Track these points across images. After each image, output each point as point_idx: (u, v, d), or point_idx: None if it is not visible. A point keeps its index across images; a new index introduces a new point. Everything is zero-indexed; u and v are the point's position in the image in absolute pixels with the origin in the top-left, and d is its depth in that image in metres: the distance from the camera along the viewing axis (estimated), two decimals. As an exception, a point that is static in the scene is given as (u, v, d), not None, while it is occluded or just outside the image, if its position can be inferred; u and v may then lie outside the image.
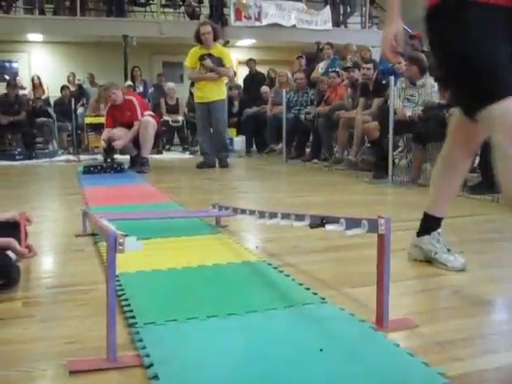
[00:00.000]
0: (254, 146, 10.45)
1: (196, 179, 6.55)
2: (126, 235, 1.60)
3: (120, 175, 6.87)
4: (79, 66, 12.85)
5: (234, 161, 8.67)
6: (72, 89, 11.54)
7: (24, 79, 12.84)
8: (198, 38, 7.40)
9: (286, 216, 2.46)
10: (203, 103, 7.51)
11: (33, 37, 12.81)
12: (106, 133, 7.45)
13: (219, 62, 7.39)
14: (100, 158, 8.70)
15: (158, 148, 10.55)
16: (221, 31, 7.78)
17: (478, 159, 5.59)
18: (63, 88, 11.19)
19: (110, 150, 7.39)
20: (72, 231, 3.38)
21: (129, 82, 11.23)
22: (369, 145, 6.98)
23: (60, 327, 1.90)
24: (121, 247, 1.54)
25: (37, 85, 11.71)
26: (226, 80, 7.86)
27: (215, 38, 7.46)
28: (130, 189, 5.54)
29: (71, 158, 9.49)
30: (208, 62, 7.33)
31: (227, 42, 12.94)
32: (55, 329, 1.89)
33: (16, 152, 9.47)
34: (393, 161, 6.03)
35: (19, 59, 13.77)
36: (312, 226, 2.12)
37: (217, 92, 7.46)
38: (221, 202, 3.69)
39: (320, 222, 2.05)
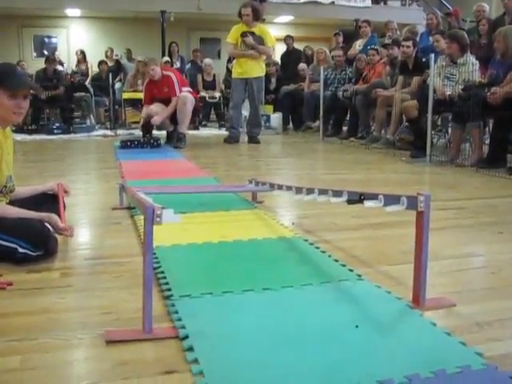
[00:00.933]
0: (291, 123, 10.38)
1: (233, 155, 6.54)
2: (164, 207, 1.60)
3: (157, 150, 6.89)
4: (117, 42, 12.87)
5: (271, 137, 8.64)
6: (110, 64, 11.58)
7: (63, 54, 12.92)
8: (241, 18, 7.54)
9: (323, 192, 2.45)
10: (242, 78, 7.57)
11: (71, 12, 12.86)
12: (144, 110, 7.46)
13: (260, 40, 7.45)
14: (137, 133, 8.74)
15: (194, 124, 10.57)
16: (262, 10, 7.76)
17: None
18: (101, 63, 11.23)
19: (148, 127, 7.40)
20: (109, 204, 3.40)
21: (166, 58, 11.23)
22: (407, 124, 6.88)
23: (96, 298, 1.92)
24: (158, 219, 1.54)
25: (81, 59, 11.78)
26: (264, 57, 7.81)
27: (256, 19, 7.55)
28: (167, 164, 5.56)
29: (108, 132, 9.54)
30: (249, 40, 7.40)
31: (263, 19, 12.83)
32: (91, 299, 1.91)
33: (54, 126, 9.54)
34: (431, 140, 5.94)
35: (58, 34, 13.84)
36: (350, 201, 2.10)
37: (256, 69, 7.53)
38: (257, 178, 3.68)
39: (358, 198, 2.03)
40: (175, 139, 7.36)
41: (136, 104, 10.14)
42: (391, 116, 7.05)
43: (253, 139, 7.77)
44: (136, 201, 2.06)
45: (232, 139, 7.73)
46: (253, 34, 7.45)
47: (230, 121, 7.99)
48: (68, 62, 12.88)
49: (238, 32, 7.57)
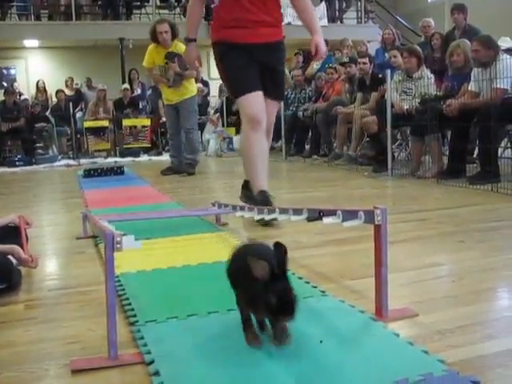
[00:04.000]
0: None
1: (197, 179, 6.56)
2: (124, 234, 1.61)
3: (120, 178, 6.87)
4: (77, 71, 12.87)
5: (234, 159, 8.67)
6: (70, 93, 11.57)
7: (21, 85, 12.86)
8: (155, 38, 6.63)
9: (283, 211, 2.47)
10: (171, 105, 6.91)
11: (29, 43, 12.84)
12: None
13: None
14: (100, 161, 8.72)
15: (157, 149, 10.58)
16: (178, 30, 6.63)
17: (476, 150, 5.63)
18: (58, 92, 11.21)
19: None
20: (73, 234, 3.39)
21: (125, 86, 11.24)
22: (368, 139, 6.99)
23: (62, 328, 1.92)
24: (118, 245, 1.55)
25: (41, 89, 11.73)
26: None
27: (174, 37, 6.66)
28: (130, 191, 5.55)
29: (71, 162, 9.51)
30: (175, 67, 6.61)
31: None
32: (57, 330, 1.90)
33: (16, 158, 9.49)
34: (392, 154, 6.04)
35: (16, 65, 13.79)
36: (310, 219, 2.14)
37: (183, 93, 6.78)
38: (221, 201, 3.70)
39: (317, 215, 2.06)
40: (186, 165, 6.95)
41: (98, 132, 10.15)
42: (352, 132, 7.14)
43: (186, 168, 6.92)
44: (97, 228, 2.07)
45: (171, 170, 7.06)
46: (180, 56, 6.44)
47: (170, 151, 7.39)
48: (28, 92, 12.82)
49: (153, 55, 6.73)
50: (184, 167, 6.91)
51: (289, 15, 13.03)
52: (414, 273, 2.38)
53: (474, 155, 5.95)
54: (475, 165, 5.46)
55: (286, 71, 8.90)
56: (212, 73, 13.69)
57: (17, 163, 9.26)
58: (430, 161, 5.74)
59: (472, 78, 5.27)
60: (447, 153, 5.66)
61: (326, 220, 1.96)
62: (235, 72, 3.62)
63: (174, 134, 7.09)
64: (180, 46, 6.54)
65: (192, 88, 6.90)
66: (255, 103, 3.55)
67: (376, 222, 1.76)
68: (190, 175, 6.83)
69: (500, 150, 5.56)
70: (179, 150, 7.04)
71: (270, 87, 3.68)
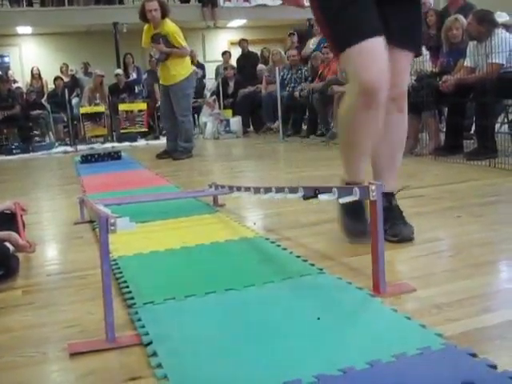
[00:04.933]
0: (251, 125, 10.42)
1: (194, 161, 6.54)
2: (119, 216, 1.60)
3: (117, 162, 6.87)
4: (71, 57, 12.80)
5: (232, 141, 8.66)
6: (65, 80, 11.51)
7: (16, 73, 12.80)
8: (144, 16, 6.52)
9: (280, 190, 2.47)
10: (164, 85, 6.78)
11: (22, 29, 12.77)
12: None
13: (169, 43, 6.58)
14: (97, 146, 8.70)
15: (154, 133, 10.56)
16: (168, 8, 6.50)
17: (473, 126, 5.61)
18: (56, 79, 11.16)
19: None
20: (70, 220, 3.39)
21: (117, 71, 11.18)
22: (364, 118, 6.95)
23: (59, 312, 1.92)
24: (112, 227, 1.54)
25: (36, 76, 11.69)
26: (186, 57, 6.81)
27: (164, 15, 6.50)
28: (128, 175, 5.54)
29: (68, 149, 9.49)
30: (161, 47, 6.53)
31: (215, 24, 12.91)
32: (55, 314, 1.90)
33: (13, 146, 9.46)
34: (389, 132, 6.00)
35: (10, 53, 13.72)
36: (305, 197, 2.13)
37: (173, 75, 6.62)
38: (218, 182, 3.69)
39: (313, 192, 2.06)
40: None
41: (94, 118, 10.12)
42: (349, 111, 7.10)
43: (178, 154, 6.77)
44: (93, 212, 2.06)
45: (166, 154, 6.93)
46: (164, 37, 6.53)
47: (166, 134, 7.31)
48: (22, 80, 12.77)
49: (147, 34, 6.69)
50: (176, 153, 6.78)
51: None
52: (411, 248, 2.38)
53: (471, 131, 5.94)
54: (472, 141, 5.44)
55: None
56: (207, 55, 13.67)
57: (14, 151, 9.24)
58: (427, 138, 5.72)
59: (467, 53, 5.24)
60: (444, 129, 5.65)
61: (322, 197, 1.96)
62: (341, 7, 2.21)
63: (165, 116, 7.00)
64: (169, 25, 6.52)
65: (180, 71, 6.67)
66: (373, 60, 2.18)
67: (371, 198, 1.76)
68: (178, 160, 6.65)
69: (497, 126, 5.55)
70: (172, 134, 6.91)
71: (399, 29, 2.33)
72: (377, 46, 2.18)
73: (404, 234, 2.43)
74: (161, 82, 6.88)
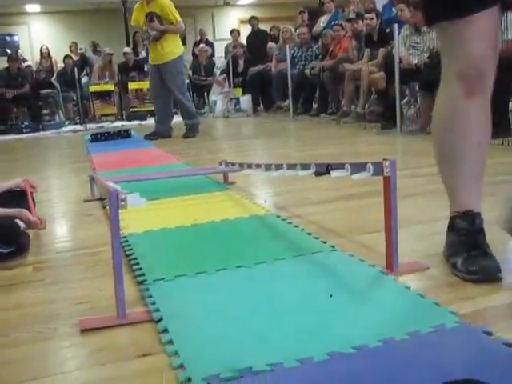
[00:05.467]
0: (261, 104, 10.37)
1: (204, 140, 6.51)
2: (129, 192, 1.58)
3: (127, 141, 6.85)
4: (80, 35, 12.76)
5: (242, 120, 8.63)
6: (75, 58, 11.47)
7: (25, 51, 12.77)
8: None
9: (291, 166, 2.44)
10: (155, 65, 6.66)
11: (31, 8, 12.71)
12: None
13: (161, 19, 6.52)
14: (107, 125, 8.68)
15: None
16: None
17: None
18: (66, 57, 11.13)
19: None
20: (81, 197, 3.38)
21: (125, 49, 11.12)
22: (376, 96, 6.90)
23: (70, 289, 1.91)
24: (123, 203, 1.52)
25: (45, 55, 11.65)
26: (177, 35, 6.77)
27: None
28: (138, 153, 5.53)
29: (78, 127, 9.47)
30: (157, 25, 6.46)
31: (225, 1, 12.82)
32: (65, 291, 1.89)
33: (23, 125, 9.46)
34: (401, 110, 5.96)
35: (19, 32, 13.68)
36: (317, 173, 2.10)
37: (166, 53, 6.54)
38: (228, 160, 3.67)
39: (325, 169, 2.03)
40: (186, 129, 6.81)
41: (104, 96, 10.09)
42: (360, 89, 7.06)
43: (186, 132, 6.76)
44: (103, 189, 2.04)
45: (155, 135, 6.80)
46: (159, 16, 6.46)
47: (155, 114, 7.20)
48: (31, 59, 12.74)
49: (140, 13, 6.57)
50: (185, 132, 6.74)
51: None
52: (424, 226, 2.36)
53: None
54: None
55: None
56: (217, 34, 13.59)
57: (24, 130, 9.23)
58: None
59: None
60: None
61: (334, 174, 1.93)
62: None
63: (155, 96, 6.90)
64: (161, 2, 6.46)
65: (174, 49, 6.60)
66: (479, 36, 1.72)
67: (385, 174, 1.73)
68: (191, 138, 6.64)
69: (511, 104, 5.48)
70: (163, 114, 6.82)
71: None
72: (488, 18, 1.69)
73: (487, 269, 1.71)
74: (151, 62, 6.75)
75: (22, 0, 12.01)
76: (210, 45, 12.01)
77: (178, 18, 6.53)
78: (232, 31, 11.77)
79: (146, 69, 11.12)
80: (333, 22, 8.62)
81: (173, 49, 6.57)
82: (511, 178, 3.24)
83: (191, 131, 6.73)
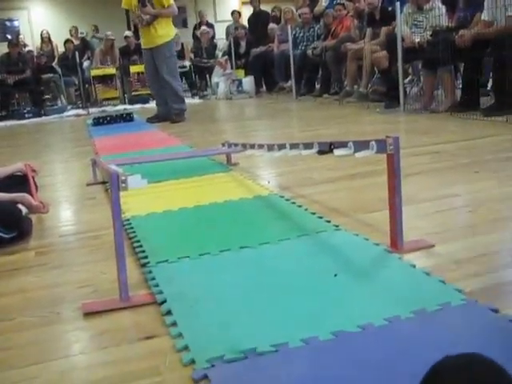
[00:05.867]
0: (264, 85, 10.31)
1: (206, 122, 6.48)
2: (130, 174, 1.57)
3: (130, 124, 6.83)
4: (81, 19, 12.70)
5: (244, 101, 8.58)
6: (76, 42, 11.41)
7: (26, 37, 12.72)
8: None
9: (294, 146, 2.42)
10: (147, 49, 6.54)
11: (31, -8, 12.65)
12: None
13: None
14: (109, 109, 8.65)
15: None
16: None
17: (490, 82, 5.50)
18: (67, 41, 11.07)
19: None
20: (83, 181, 3.37)
21: (126, 33, 11.05)
22: (379, 75, 6.85)
23: (73, 273, 1.90)
24: (123, 185, 1.51)
25: (46, 40, 11.60)
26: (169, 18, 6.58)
27: None
28: (140, 136, 5.51)
29: (81, 111, 9.44)
30: (149, 9, 6.32)
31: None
32: (68, 274, 1.89)
33: (25, 110, 9.43)
34: (404, 89, 5.92)
35: (20, 17, 13.61)
36: (321, 152, 2.08)
37: (157, 37, 6.39)
38: (231, 141, 3.65)
39: (328, 147, 2.01)
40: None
41: (106, 80, 10.05)
42: (362, 69, 7.01)
43: (175, 117, 6.57)
44: (104, 172, 2.03)
45: (156, 118, 6.74)
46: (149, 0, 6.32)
47: (154, 98, 7.15)
48: (32, 43, 12.69)
49: None
50: (172, 116, 6.57)
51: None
52: (429, 204, 2.33)
53: (488, 87, 5.82)
54: (489, 97, 5.34)
55: None
56: (218, 15, 13.51)
57: (26, 115, 9.20)
58: (443, 94, 5.62)
59: (485, 6, 5.10)
60: (460, 86, 5.54)
61: (338, 152, 1.91)
62: None
63: (151, 80, 6.78)
64: None
65: (167, 32, 6.48)
66: None
67: (388, 151, 1.71)
68: (177, 122, 6.48)
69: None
70: (162, 97, 6.67)
71: None
72: None
73: None
74: (144, 46, 6.61)
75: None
76: (211, 26, 11.93)
77: (171, 1, 6.39)
78: (232, 13, 11.69)
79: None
80: (334, 2, 8.54)
81: (165, 32, 6.44)
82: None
83: (179, 116, 6.58)
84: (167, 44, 6.45)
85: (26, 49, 11.20)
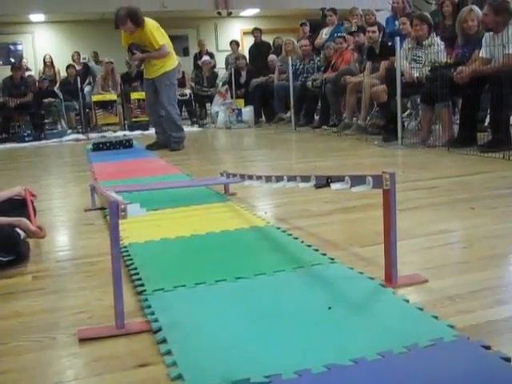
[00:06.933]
0: (263, 115, 10.38)
1: (206, 150, 6.53)
2: (129, 202, 1.59)
3: (129, 150, 6.86)
4: (84, 45, 12.80)
5: (243, 131, 8.63)
6: (77, 68, 11.50)
7: (29, 60, 12.80)
8: (118, 27, 6.44)
9: (291, 178, 2.45)
10: (148, 78, 6.62)
11: (35, 17, 12.75)
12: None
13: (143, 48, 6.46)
14: (109, 135, 8.69)
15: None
16: (141, 14, 6.23)
17: (488, 118, 5.56)
18: (69, 67, 11.14)
19: None
20: (81, 206, 3.39)
21: (127, 59, 11.13)
22: (377, 108, 6.92)
23: (69, 298, 1.91)
24: (123, 213, 1.53)
25: (48, 64, 11.69)
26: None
27: (138, 24, 6.24)
28: (139, 163, 5.54)
29: (80, 136, 9.47)
30: (137, 57, 6.51)
31: (230, 13, 12.86)
32: (64, 300, 1.90)
33: (25, 134, 9.45)
34: (402, 123, 5.97)
35: (23, 41, 13.72)
36: (317, 186, 2.11)
37: (157, 68, 6.45)
38: (229, 171, 3.67)
39: (325, 181, 2.03)
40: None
41: (106, 106, 10.11)
42: (361, 102, 7.08)
43: (173, 145, 6.57)
44: (104, 198, 2.05)
45: (156, 145, 6.80)
46: (138, 46, 6.44)
47: (153, 126, 7.19)
48: (35, 67, 12.77)
49: (126, 38, 6.52)
50: (171, 144, 6.57)
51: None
52: (424, 239, 2.36)
53: (485, 123, 5.88)
54: (486, 133, 5.39)
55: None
56: (220, 45, 13.64)
57: (26, 138, 9.22)
58: (441, 129, 5.67)
59: (483, 44, 5.18)
60: (458, 121, 5.60)
61: (334, 186, 1.93)
62: None
63: (150, 108, 6.83)
64: (146, 28, 6.25)
65: (170, 62, 6.52)
66: None
67: (384, 187, 1.73)
68: (174, 151, 6.47)
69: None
70: (160, 125, 6.73)
71: None
72: None
73: None
74: (145, 75, 6.70)
75: (27, 9, 12.04)
76: (211, 56, 12.04)
77: (161, 41, 6.36)
78: (231, 43, 11.80)
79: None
80: (335, 35, 8.64)
81: (165, 62, 6.49)
82: (511, 192, 3.25)
83: (178, 144, 6.59)
84: (168, 73, 6.49)
85: (27, 73, 11.26)
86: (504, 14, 4.96)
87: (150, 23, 6.35)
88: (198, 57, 12.06)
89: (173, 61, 6.60)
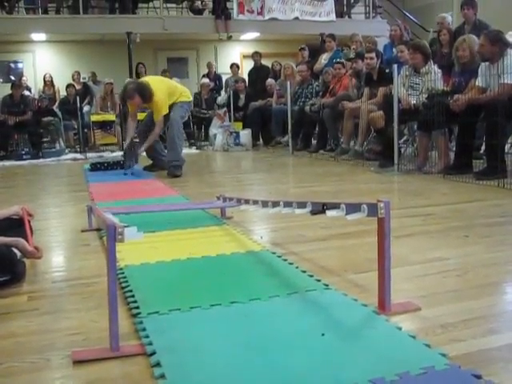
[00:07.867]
0: (261, 139, 10.42)
1: (203, 173, 6.55)
2: (127, 226, 1.61)
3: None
4: (84, 64, 12.86)
5: (241, 154, 8.67)
6: (77, 87, 11.55)
7: (29, 79, 12.86)
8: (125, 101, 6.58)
9: (288, 204, 2.47)
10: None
11: (36, 36, 12.82)
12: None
13: None
14: (107, 155, 8.70)
15: (164, 143, 10.56)
16: (150, 89, 6.07)
17: (483, 146, 5.60)
18: (68, 86, 11.20)
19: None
20: (78, 227, 3.40)
21: (127, 80, 11.18)
22: (374, 134, 6.96)
23: (64, 319, 1.92)
24: (120, 237, 1.55)
25: (48, 83, 11.75)
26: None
27: (146, 100, 6.17)
28: (136, 184, 5.55)
29: (78, 156, 9.50)
30: (143, 149, 6.49)
31: (230, 36, 12.96)
32: (59, 321, 1.90)
33: (23, 152, 9.48)
34: (399, 149, 6.01)
35: (24, 59, 13.79)
36: (313, 212, 2.13)
37: (175, 99, 6.37)
38: (226, 194, 3.69)
39: (321, 208, 2.06)
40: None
41: (105, 126, 10.14)
42: (359, 127, 7.12)
43: (171, 170, 6.20)
44: (101, 220, 2.07)
45: (154, 167, 6.77)
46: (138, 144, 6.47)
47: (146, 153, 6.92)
48: (35, 86, 12.83)
49: (132, 107, 6.53)
50: (171, 169, 6.22)
51: (296, 10, 13.06)
52: (418, 267, 2.37)
53: (481, 151, 5.93)
54: (482, 161, 5.43)
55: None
56: (220, 68, 13.71)
57: (24, 157, 9.24)
58: (437, 156, 5.71)
59: (479, 73, 5.24)
60: (454, 149, 5.64)
61: (330, 213, 1.96)
62: None
63: (143, 133, 6.60)
64: (158, 99, 6.12)
65: (186, 94, 6.49)
66: None
67: (379, 215, 1.76)
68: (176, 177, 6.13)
69: (507, 146, 5.54)
70: (154, 149, 6.68)
71: None
72: None
73: None
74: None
75: (29, 29, 12.12)
76: (218, 78, 12.12)
77: (161, 115, 6.21)
78: (231, 66, 11.87)
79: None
80: (334, 60, 8.71)
81: (180, 94, 6.40)
82: (506, 220, 3.28)
83: (177, 169, 6.28)
84: (183, 102, 6.41)
85: (26, 93, 11.30)
86: (500, 44, 5.03)
87: (159, 97, 6.15)
88: (205, 77, 12.12)
89: (188, 94, 6.55)
